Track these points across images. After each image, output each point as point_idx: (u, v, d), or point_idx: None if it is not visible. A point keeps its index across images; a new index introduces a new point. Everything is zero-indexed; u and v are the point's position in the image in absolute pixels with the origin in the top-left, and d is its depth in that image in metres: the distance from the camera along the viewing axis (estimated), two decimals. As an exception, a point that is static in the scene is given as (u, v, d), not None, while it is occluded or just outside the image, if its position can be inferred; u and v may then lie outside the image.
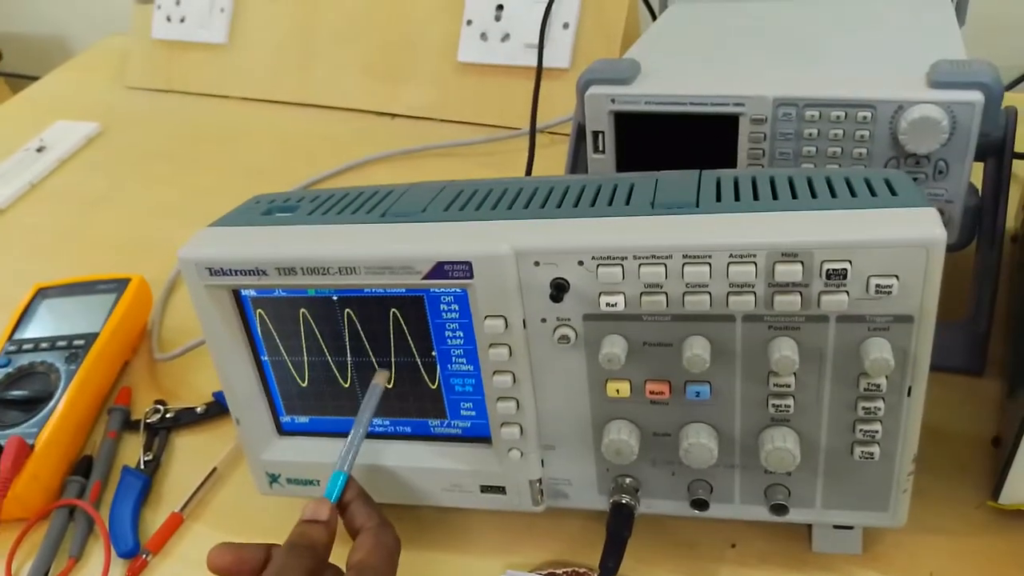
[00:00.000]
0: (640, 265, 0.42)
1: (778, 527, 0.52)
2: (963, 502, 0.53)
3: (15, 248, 0.94)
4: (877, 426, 0.44)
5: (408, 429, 0.52)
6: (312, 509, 0.45)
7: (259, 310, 0.50)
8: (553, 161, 0.85)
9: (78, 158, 1.10)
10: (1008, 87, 0.92)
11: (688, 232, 0.42)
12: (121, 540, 0.58)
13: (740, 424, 0.45)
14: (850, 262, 0.39)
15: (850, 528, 0.50)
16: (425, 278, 0.45)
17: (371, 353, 0.50)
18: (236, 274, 0.47)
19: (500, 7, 0.96)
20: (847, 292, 0.40)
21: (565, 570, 0.52)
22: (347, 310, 0.48)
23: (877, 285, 0.40)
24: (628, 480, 0.49)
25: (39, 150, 1.10)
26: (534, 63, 0.88)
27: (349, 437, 0.49)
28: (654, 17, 0.89)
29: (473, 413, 0.50)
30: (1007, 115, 0.58)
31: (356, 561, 0.43)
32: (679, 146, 0.60)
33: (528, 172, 0.80)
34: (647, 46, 0.69)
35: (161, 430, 0.67)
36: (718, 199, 0.44)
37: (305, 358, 0.51)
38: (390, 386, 0.50)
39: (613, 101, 0.60)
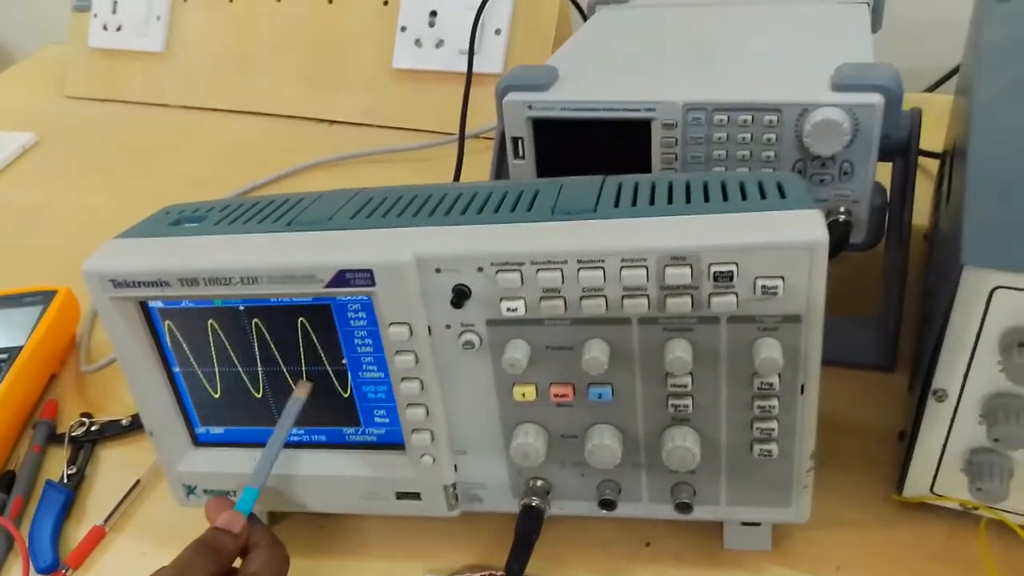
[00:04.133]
0: (538, 270, 0.43)
1: (691, 525, 0.53)
2: (871, 495, 0.54)
3: (-55, 261, 0.93)
4: (773, 424, 0.44)
5: (323, 438, 0.52)
6: (226, 519, 0.47)
7: (167, 321, 0.49)
8: (485, 165, 0.85)
9: (12, 169, 1.09)
10: (931, 87, 0.95)
11: (583, 238, 0.42)
12: (40, 556, 0.58)
13: (643, 424, 0.46)
14: (736, 264, 0.40)
15: (758, 524, 0.51)
16: (328, 286, 0.45)
17: (281, 363, 0.50)
18: (139, 286, 0.47)
19: (434, 13, 0.97)
20: (735, 293, 0.41)
21: (483, 573, 0.52)
22: (255, 320, 0.48)
23: (763, 286, 0.41)
24: (539, 483, 0.49)
25: (-28, 161, 1.08)
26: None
27: (264, 451, 0.49)
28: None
29: (387, 420, 0.51)
30: (911, 117, 0.59)
31: (249, 573, 0.45)
32: (596, 151, 0.60)
33: (456, 178, 0.80)
34: (568, 53, 0.70)
35: (86, 443, 0.67)
36: (616, 205, 0.45)
37: (216, 369, 0.51)
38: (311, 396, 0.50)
39: (530, 107, 0.60)
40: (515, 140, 0.62)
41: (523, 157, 0.62)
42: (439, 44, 0.97)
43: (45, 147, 1.13)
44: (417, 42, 0.98)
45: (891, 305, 0.61)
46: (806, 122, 0.55)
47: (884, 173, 0.59)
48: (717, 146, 0.58)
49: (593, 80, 0.62)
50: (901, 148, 0.59)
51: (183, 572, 0.43)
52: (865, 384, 0.61)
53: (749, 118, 0.56)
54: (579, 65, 0.65)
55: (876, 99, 0.54)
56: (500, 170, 0.68)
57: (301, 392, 0.50)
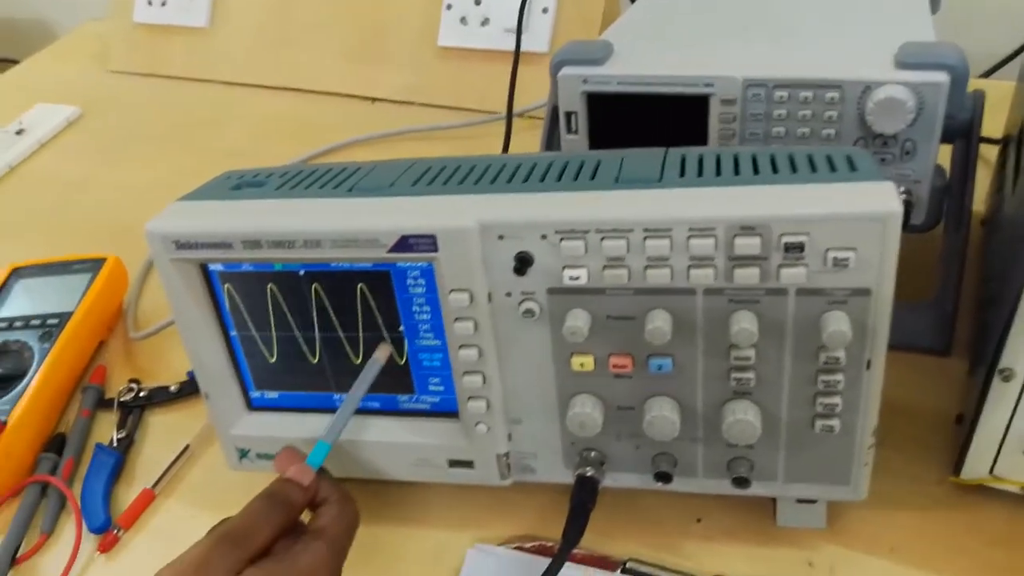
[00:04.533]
0: (602, 239, 0.42)
1: (743, 502, 0.52)
2: (926, 479, 0.54)
3: (-7, 230, 0.94)
4: (837, 399, 0.44)
5: (377, 404, 0.52)
6: (296, 471, 0.46)
7: (227, 285, 0.50)
8: (531, 145, 0.85)
9: (58, 141, 1.10)
10: (985, 74, 0.93)
11: (649, 206, 0.42)
12: (93, 516, 0.59)
13: (702, 397, 0.46)
14: (808, 235, 0.40)
15: (813, 502, 0.50)
16: (390, 251, 0.45)
17: (339, 328, 0.50)
18: (202, 247, 0.47)
19: (480, -9, 0.97)
20: (805, 265, 0.41)
21: (532, 544, 0.52)
22: (314, 285, 0.49)
23: (835, 258, 0.40)
24: (593, 454, 0.49)
25: (18, 132, 1.09)
26: (513, 47, 0.88)
27: (339, 409, 0.49)
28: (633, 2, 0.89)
29: (441, 388, 0.51)
30: (974, 98, 0.58)
31: (318, 527, 0.45)
32: (651, 127, 0.60)
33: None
34: (622, 28, 0.69)
35: (135, 408, 0.68)
36: (681, 175, 0.45)
37: (273, 333, 0.51)
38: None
39: (585, 82, 0.60)
40: (568, 115, 0.62)
41: (576, 132, 0.62)
42: (484, 22, 0.96)
43: (89, 120, 1.13)
44: (463, 20, 0.98)
45: (948, 288, 0.60)
46: (869, 100, 0.54)
47: (942, 156, 0.58)
48: (776, 123, 0.57)
49: (649, 55, 0.62)
50: (963, 130, 0.58)
51: (252, 522, 0.43)
52: (919, 367, 0.60)
53: (810, 95, 0.56)
54: (634, 40, 0.64)
55: (942, 77, 0.53)
56: (550, 146, 0.68)
57: (381, 355, 0.49)
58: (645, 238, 0.42)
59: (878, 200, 0.40)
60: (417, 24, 1.01)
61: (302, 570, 0.42)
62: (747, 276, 0.41)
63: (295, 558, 0.42)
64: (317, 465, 0.47)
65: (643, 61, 0.61)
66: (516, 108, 0.84)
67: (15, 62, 1.32)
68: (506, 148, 0.81)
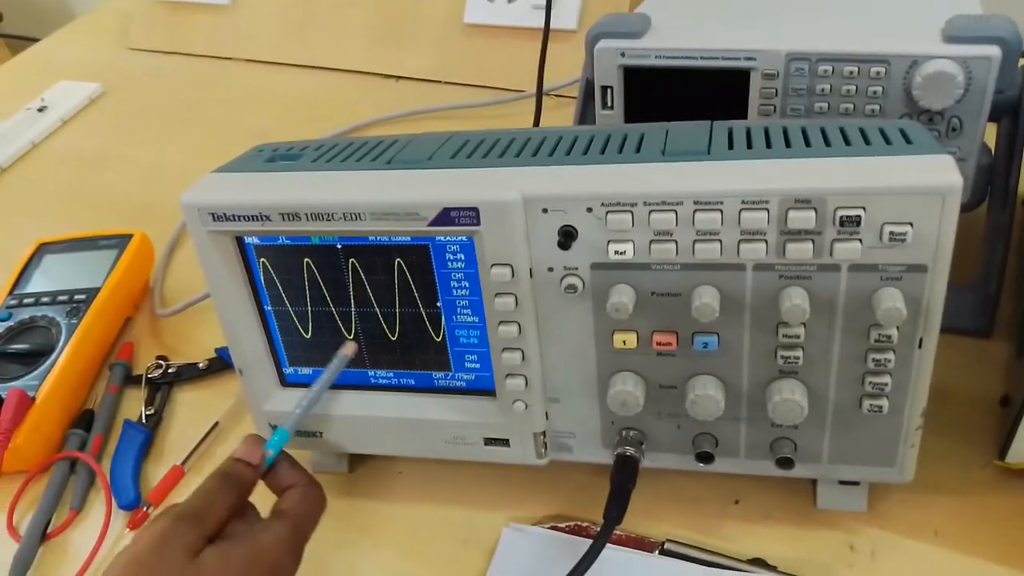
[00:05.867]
0: (650, 212, 0.41)
1: (782, 483, 0.51)
2: (969, 462, 0.53)
3: (17, 207, 0.93)
4: (887, 379, 0.43)
5: (412, 381, 0.52)
6: (245, 451, 0.47)
7: (262, 259, 0.49)
8: (559, 123, 0.84)
9: (80, 118, 1.09)
10: None
11: (700, 178, 0.41)
12: (122, 492, 0.58)
13: (748, 376, 0.45)
14: (864, 209, 0.39)
15: (856, 484, 0.49)
16: (431, 224, 0.44)
17: (375, 304, 0.49)
18: (239, 220, 0.46)
19: (508, -33, 0.95)
20: (860, 240, 0.40)
21: (567, 524, 0.52)
22: (351, 259, 0.48)
23: (891, 233, 0.39)
24: (632, 433, 0.48)
25: (40, 110, 1.09)
26: (541, 24, 0.86)
27: (301, 400, 0.50)
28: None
29: (478, 365, 0.50)
30: (1023, 74, 0.57)
31: (281, 509, 0.45)
32: (689, 101, 0.59)
33: (534, 132, 0.79)
34: (658, 2, 0.68)
35: (163, 385, 0.67)
36: (730, 147, 0.44)
37: (309, 308, 0.50)
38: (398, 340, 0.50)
39: (623, 55, 0.59)
40: (604, 89, 0.60)
41: (611, 108, 0.61)
42: (512, -1, 0.95)
43: (111, 98, 1.13)
44: (490, -4, 0.96)
45: (991, 270, 0.59)
46: (916, 74, 0.53)
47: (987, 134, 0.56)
48: (819, 98, 0.56)
49: (688, 28, 0.61)
50: (1011, 106, 0.57)
51: (206, 500, 0.43)
52: (960, 349, 0.59)
53: (855, 69, 0.54)
54: (672, 13, 0.63)
55: (993, 51, 0.52)
56: (584, 122, 0.67)
57: (348, 350, 0.50)
58: (695, 211, 0.41)
59: (938, 174, 0.38)
60: (443, 1, 1.00)
61: (262, 548, 0.42)
62: (800, 251, 0.40)
63: (255, 536, 0.42)
64: (276, 450, 0.47)
65: (682, 34, 0.59)
66: (544, 86, 0.83)
67: (35, 40, 1.32)
68: (536, 126, 0.80)
